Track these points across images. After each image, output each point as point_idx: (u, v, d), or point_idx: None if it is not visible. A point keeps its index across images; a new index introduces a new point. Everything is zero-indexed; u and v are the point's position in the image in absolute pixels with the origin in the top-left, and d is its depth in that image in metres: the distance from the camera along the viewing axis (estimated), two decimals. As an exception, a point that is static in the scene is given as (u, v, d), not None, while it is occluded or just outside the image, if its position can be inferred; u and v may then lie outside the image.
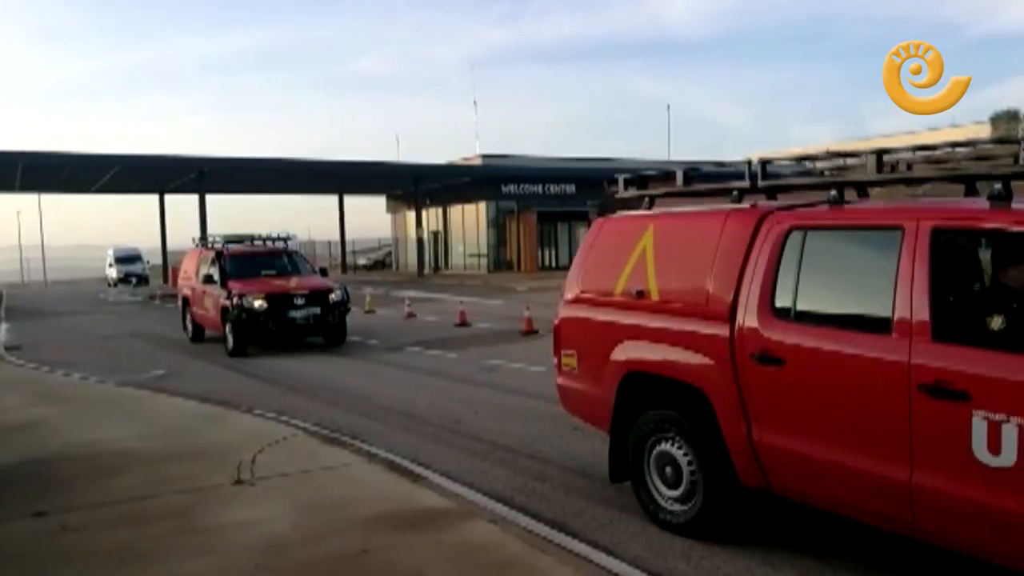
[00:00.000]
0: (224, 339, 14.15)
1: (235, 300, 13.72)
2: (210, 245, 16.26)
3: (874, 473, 3.72)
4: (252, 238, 16.57)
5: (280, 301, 13.88)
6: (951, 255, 3.73)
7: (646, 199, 5.61)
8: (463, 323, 16.98)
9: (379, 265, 51.08)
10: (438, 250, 44.27)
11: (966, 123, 33.85)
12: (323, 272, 16.23)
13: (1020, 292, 3.55)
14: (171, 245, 43.70)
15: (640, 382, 5.00)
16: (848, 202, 4.39)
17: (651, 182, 5.82)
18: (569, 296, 5.75)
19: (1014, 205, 3.56)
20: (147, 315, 24.27)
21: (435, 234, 44.17)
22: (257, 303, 13.68)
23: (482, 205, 40.19)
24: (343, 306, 14.55)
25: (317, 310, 14.11)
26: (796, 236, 4.25)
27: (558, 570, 4.18)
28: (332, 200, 48.04)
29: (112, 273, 45.61)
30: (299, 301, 14.02)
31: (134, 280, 43.51)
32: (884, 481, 3.69)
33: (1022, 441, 3.20)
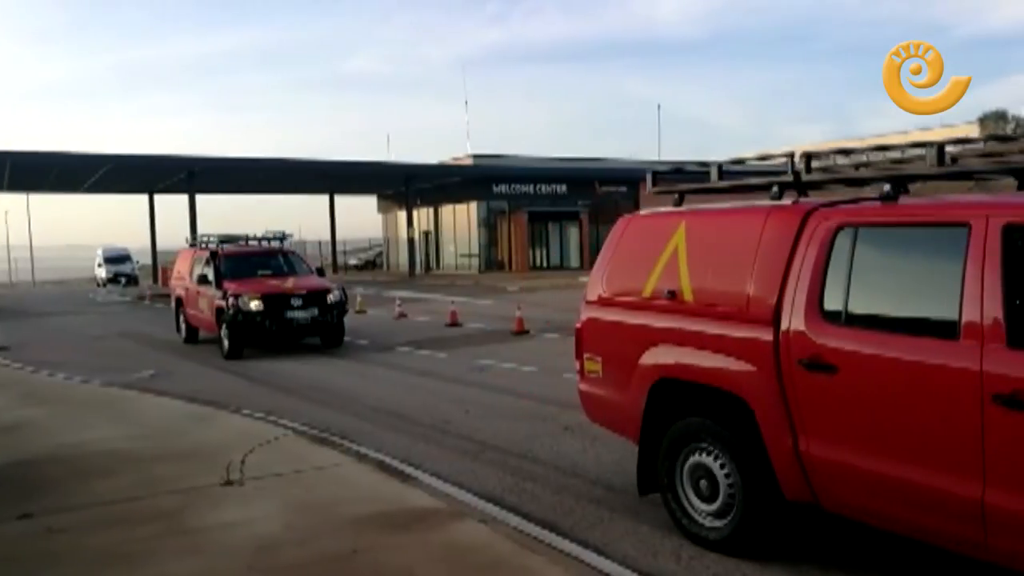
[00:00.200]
0: (219, 341, 13.90)
1: (231, 301, 13.43)
2: (204, 245, 15.99)
3: (940, 490, 3.46)
4: (247, 238, 16.30)
5: (277, 302, 13.62)
6: None
7: (676, 195, 5.33)
8: (454, 323, 16.97)
9: (370, 265, 51.00)
10: (429, 250, 44.25)
11: (957, 123, 34.05)
12: (320, 272, 15.96)
13: None
14: (161, 245, 43.54)
15: (672, 389, 4.71)
16: (899, 199, 4.06)
17: (681, 179, 5.50)
18: (592, 297, 5.46)
19: None
20: (137, 315, 24.15)
21: (426, 234, 44.13)
22: (253, 304, 13.40)
23: (473, 205, 40.20)
24: (341, 306, 14.30)
25: (315, 311, 13.84)
26: (846, 234, 3.99)
27: (548, 569, 4.18)
28: (322, 200, 47.96)
29: (101, 273, 45.38)
30: (296, 302, 13.75)
31: (123, 280, 43.33)
32: (952, 499, 3.43)
33: None
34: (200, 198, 33.95)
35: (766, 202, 4.64)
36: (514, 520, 5.08)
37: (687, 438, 4.63)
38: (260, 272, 14.82)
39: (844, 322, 3.90)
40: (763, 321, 4.17)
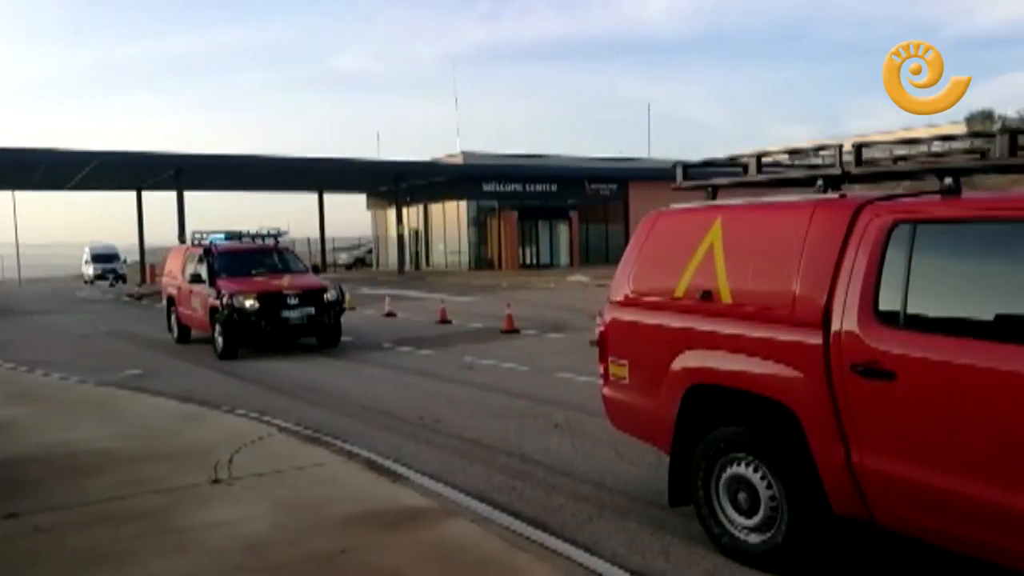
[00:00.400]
0: (212, 341, 13.64)
1: (225, 300, 13.14)
2: (197, 242, 15.51)
3: (1017, 509, 3.21)
4: (240, 235, 15.91)
5: (273, 301, 13.34)
6: None
7: (708, 190, 5.04)
8: (443, 321, 16.95)
9: (359, 263, 50.86)
10: (419, 248, 44.20)
11: (942, 123, 34.23)
12: (315, 270, 15.70)
13: None
14: (149, 242, 43.32)
15: (708, 395, 4.44)
16: (959, 192, 3.80)
17: (711, 173, 5.30)
18: (618, 297, 5.17)
19: None
20: (125, 314, 24.01)
21: (416, 232, 44.07)
22: (248, 303, 13.13)
23: (463, 203, 40.17)
24: (338, 306, 14.02)
25: (311, 310, 13.54)
26: (903, 230, 3.73)
27: (537, 568, 4.17)
28: (312, 198, 47.78)
29: (88, 271, 45.08)
30: (292, 301, 13.45)
31: (111, 278, 43.05)
32: None
33: None
34: (188, 195, 33.81)
35: (809, 196, 4.35)
36: (504, 519, 5.07)
37: (724, 448, 4.36)
38: (255, 270, 14.53)
39: (902, 324, 3.64)
40: (811, 323, 3.91)
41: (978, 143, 4.20)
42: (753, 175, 4.88)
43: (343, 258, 51.58)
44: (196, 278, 14.29)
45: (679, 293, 4.67)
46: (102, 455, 6.70)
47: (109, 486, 5.81)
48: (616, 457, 6.48)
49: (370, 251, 50.85)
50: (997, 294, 3.52)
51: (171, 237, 30.88)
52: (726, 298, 4.39)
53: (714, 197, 5.05)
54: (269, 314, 13.28)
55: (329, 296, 13.86)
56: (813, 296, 3.93)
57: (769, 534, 4.17)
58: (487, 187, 39.58)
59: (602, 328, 5.24)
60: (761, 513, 4.20)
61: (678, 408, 4.55)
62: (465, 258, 40.23)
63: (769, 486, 4.15)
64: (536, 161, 41.43)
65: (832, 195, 4.31)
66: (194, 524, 4.98)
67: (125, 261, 45.80)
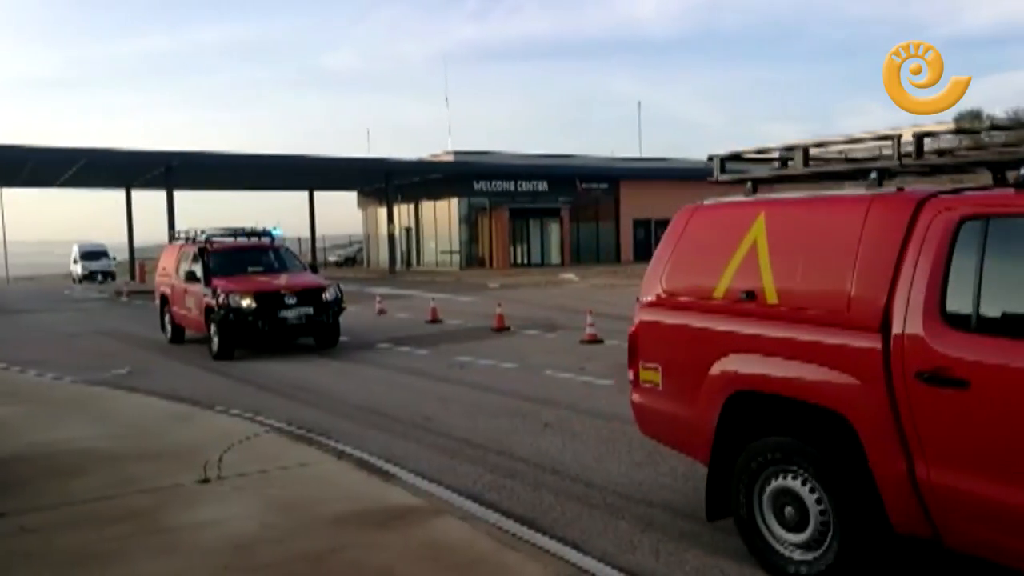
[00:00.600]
0: (208, 341, 13.38)
1: (221, 299, 12.84)
2: (192, 240, 15.26)
3: None
4: (235, 232, 15.62)
5: (270, 300, 13.03)
6: None
7: (748, 184, 4.75)
8: (434, 320, 16.94)
9: (350, 262, 50.77)
10: (410, 247, 44.15)
11: (927, 123, 34.37)
12: (313, 269, 15.44)
13: None
14: (138, 241, 43.11)
15: (752, 403, 4.17)
16: None
17: (751, 163, 5.00)
18: (649, 298, 4.87)
19: None
20: (115, 313, 23.86)
21: (407, 230, 44.02)
22: (245, 302, 12.82)
23: (454, 202, 40.15)
24: (336, 305, 13.70)
25: (310, 310, 13.24)
26: (972, 226, 3.46)
27: (527, 566, 4.18)
28: (302, 196, 47.63)
29: (77, 269, 44.79)
30: (290, 300, 13.15)
31: (100, 277, 42.81)
32: None
33: None
34: (178, 194, 33.63)
35: (861, 190, 4.11)
36: (494, 517, 5.07)
37: (769, 459, 4.08)
38: (251, 269, 14.23)
39: (975, 328, 3.37)
40: (869, 326, 3.64)
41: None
42: (799, 168, 4.54)
43: (334, 257, 51.49)
44: (191, 276, 13.98)
45: (719, 293, 4.40)
46: (90, 455, 6.66)
47: (97, 486, 5.78)
48: (607, 456, 6.49)
49: (361, 250, 50.75)
50: None
51: (161, 235, 30.70)
52: (772, 299, 4.12)
53: (755, 191, 4.73)
54: (266, 314, 13.00)
55: (327, 295, 13.62)
56: (871, 297, 3.68)
57: (819, 552, 3.91)
58: (478, 185, 39.57)
59: (632, 330, 4.96)
60: (810, 530, 3.94)
61: (718, 416, 4.27)
62: (456, 257, 40.20)
63: (819, 500, 3.89)
64: (527, 160, 41.43)
65: (888, 189, 4.06)
66: (182, 524, 4.96)
67: (115, 259, 45.58)
